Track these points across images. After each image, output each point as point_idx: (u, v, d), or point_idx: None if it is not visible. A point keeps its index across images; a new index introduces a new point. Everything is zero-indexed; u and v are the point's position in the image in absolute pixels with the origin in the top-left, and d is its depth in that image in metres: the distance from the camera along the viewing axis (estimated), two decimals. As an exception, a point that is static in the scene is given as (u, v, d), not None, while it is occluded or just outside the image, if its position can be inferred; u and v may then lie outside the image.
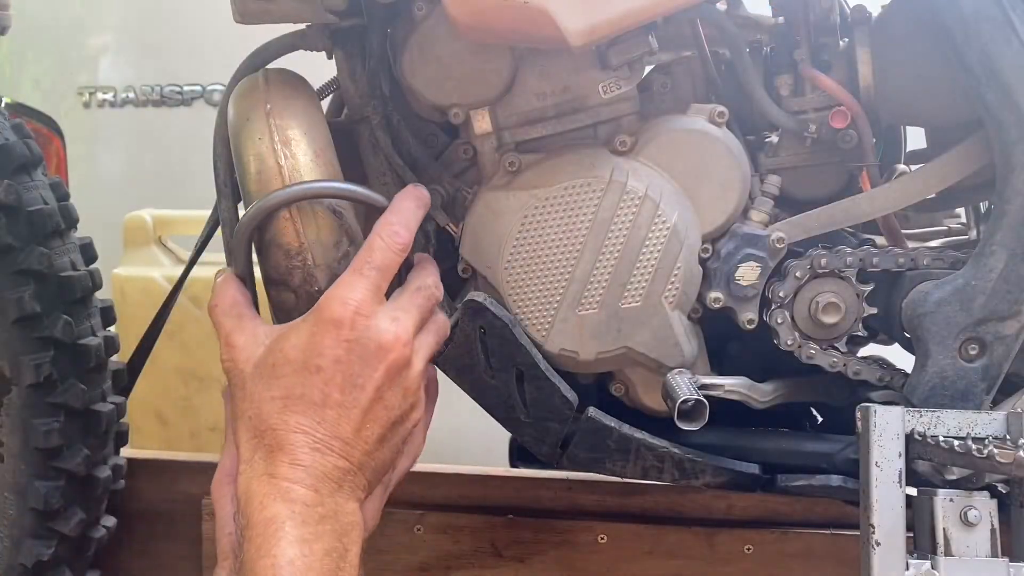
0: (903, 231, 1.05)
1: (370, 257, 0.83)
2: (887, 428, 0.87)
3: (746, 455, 1.02)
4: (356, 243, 0.91)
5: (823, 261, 0.98)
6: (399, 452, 0.85)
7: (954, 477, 0.93)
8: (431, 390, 0.96)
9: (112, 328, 1.31)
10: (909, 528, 0.86)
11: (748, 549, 1.30)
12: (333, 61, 1.00)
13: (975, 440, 0.86)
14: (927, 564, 0.85)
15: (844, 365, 0.99)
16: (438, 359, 0.98)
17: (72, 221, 1.23)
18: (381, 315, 0.81)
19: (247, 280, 0.90)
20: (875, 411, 0.87)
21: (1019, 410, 0.92)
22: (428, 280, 0.88)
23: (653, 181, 0.96)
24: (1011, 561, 0.85)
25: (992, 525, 0.86)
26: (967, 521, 0.86)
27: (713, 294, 0.99)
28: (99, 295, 1.27)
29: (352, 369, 0.78)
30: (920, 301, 0.95)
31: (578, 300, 0.96)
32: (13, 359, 1.14)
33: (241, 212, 0.95)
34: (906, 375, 0.99)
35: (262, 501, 0.76)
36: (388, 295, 0.88)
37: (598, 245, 0.95)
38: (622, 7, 0.86)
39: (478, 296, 0.96)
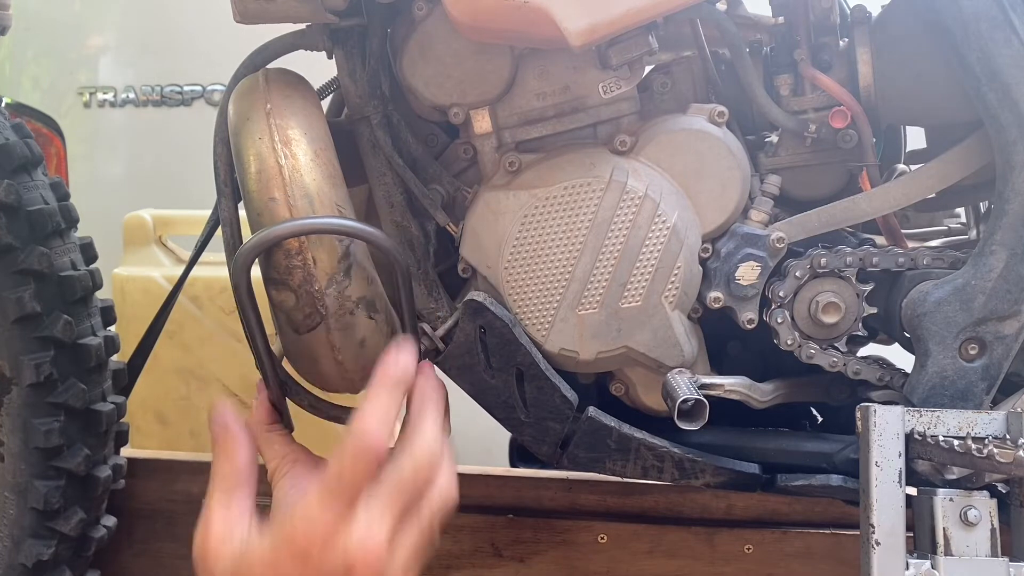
0: (903, 231, 1.05)
1: (340, 471, 0.74)
2: (887, 428, 0.87)
3: (746, 455, 1.02)
4: (356, 242, 0.91)
5: (823, 261, 0.98)
6: None
7: (954, 477, 0.92)
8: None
9: (112, 328, 1.31)
10: (909, 528, 0.86)
11: (748, 549, 1.30)
12: (333, 61, 1.00)
13: (975, 440, 0.86)
14: (927, 564, 0.85)
15: (844, 365, 0.99)
16: (438, 359, 0.98)
17: (72, 221, 1.23)
18: (352, 532, 0.73)
19: (250, 310, 0.89)
20: (875, 411, 0.87)
21: (1019, 410, 0.92)
22: (410, 466, 0.77)
23: (653, 181, 0.96)
24: (1011, 561, 0.85)
25: (992, 525, 0.86)
26: (967, 521, 0.86)
27: (713, 294, 0.99)
28: (99, 295, 1.27)
29: None
30: (920, 301, 0.95)
31: (578, 300, 0.96)
32: (13, 359, 1.14)
33: (242, 212, 0.95)
34: (906, 375, 0.99)
35: None
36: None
37: (598, 245, 0.95)
38: (622, 7, 0.86)
39: (478, 296, 0.97)
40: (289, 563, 0.73)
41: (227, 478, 0.81)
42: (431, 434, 0.80)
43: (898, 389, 0.99)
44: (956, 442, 0.84)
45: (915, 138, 1.13)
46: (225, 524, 0.77)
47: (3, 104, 2.22)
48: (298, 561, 0.73)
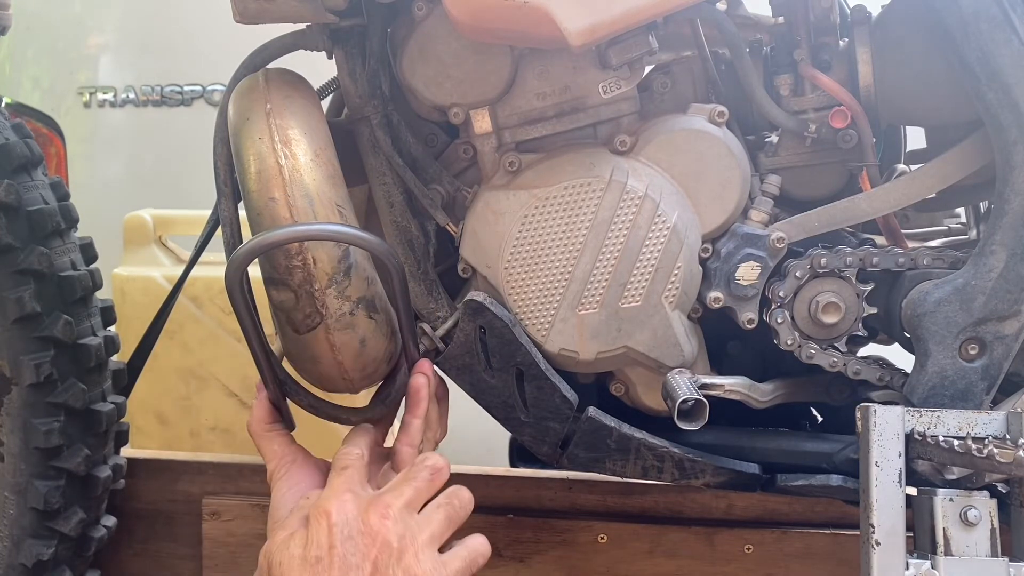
0: (903, 231, 1.05)
1: (337, 464, 0.88)
2: (887, 428, 0.87)
3: (746, 455, 1.02)
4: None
5: (823, 261, 0.98)
6: None
7: (954, 477, 0.93)
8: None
9: (112, 328, 1.31)
10: (909, 528, 0.86)
11: (748, 549, 1.30)
12: (333, 61, 1.00)
13: (975, 440, 0.86)
14: (927, 564, 0.85)
15: (844, 365, 0.99)
16: (438, 359, 0.98)
17: (72, 221, 1.23)
18: (368, 498, 0.84)
19: (244, 312, 0.89)
20: (875, 411, 0.87)
21: (1019, 410, 0.92)
22: (428, 463, 0.88)
23: (653, 181, 0.96)
24: (1011, 561, 0.85)
25: (992, 525, 0.86)
26: (967, 521, 0.86)
27: (713, 294, 0.99)
28: (99, 295, 1.27)
29: (345, 551, 0.80)
30: (920, 301, 0.95)
31: (578, 300, 0.96)
32: (13, 359, 1.14)
33: (242, 212, 0.95)
34: (906, 375, 0.99)
35: None
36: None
37: (598, 245, 0.95)
38: (622, 7, 0.86)
39: (478, 296, 0.96)
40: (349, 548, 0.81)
41: (275, 469, 0.93)
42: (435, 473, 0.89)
43: (898, 389, 0.99)
44: (956, 442, 0.84)
45: (915, 138, 1.13)
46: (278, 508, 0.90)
47: (3, 104, 2.22)
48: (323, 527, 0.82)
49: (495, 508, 1.35)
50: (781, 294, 0.98)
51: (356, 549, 0.80)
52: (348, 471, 0.87)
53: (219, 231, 1.01)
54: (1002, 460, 0.80)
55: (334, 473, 0.88)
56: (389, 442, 0.97)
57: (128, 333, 1.44)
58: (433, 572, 0.82)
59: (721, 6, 1.05)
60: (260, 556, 0.84)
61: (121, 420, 1.30)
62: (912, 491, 0.89)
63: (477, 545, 0.87)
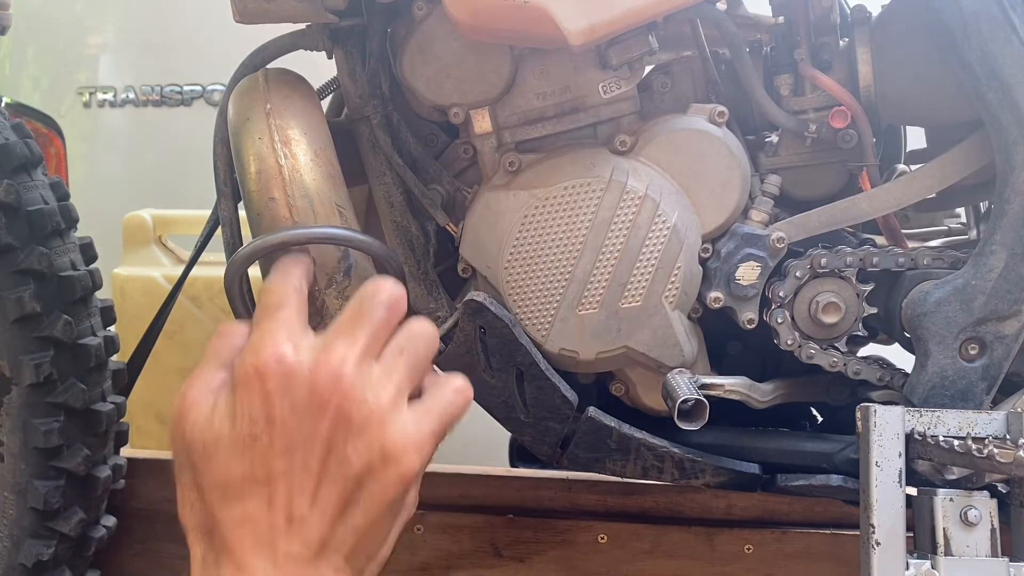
0: (903, 231, 1.05)
1: (267, 300, 0.67)
2: (887, 428, 0.87)
3: (746, 455, 1.02)
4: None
5: (823, 261, 0.98)
6: (386, 519, 0.64)
7: (954, 477, 0.92)
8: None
9: (112, 328, 1.31)
10: (909, 528, 0.86)
11: (748, 549, 1.30)
12: (333, 61, 1.00)
13: (975, 440, 0.85)
14: (927, 564, 0.85)
15: (844, 365, 0.99)
16: (437, 359, 0.98)
17: (72, 221, 1.23)
18: (312, 350, 0.63)
19: (244, 315, 0.89)
20: (875, 411, 0.87)
21: (1019, 410, 0.92)
22: (382, 296, 0.67)
23: (653, 181, 0.96)
24: (1011, 561, 0.85)
25: (992, 525, 0.86)
26: (967, 521, 0.86)
27: (713, 294, 0.99)
28: (99, 295, 1.27)
29: (289, 426, 0.62)
30: (920, 301, 0.95)
31: (578, 300, 0.96)
32: (13, 359, 1.14)
33: (241, 212, 0.95)
34: (906, 375, 0.99)
35: None
36: None
37: (598, 245, 0.95)
38: (622, 7, 0.86)
39: (478, 296, 0.96)
40: (246, 395, 0.63)
41: (212, 348, 0.69)
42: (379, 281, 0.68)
43: (898, 389, 0.99)
44: (956, 442, 0.84)
45: (915, 138, 1.13)
46: (200, 386, 0.66)
47: (3, 104, 2.22)
48: (254, 389, 0.63)
49: (495, 508, 1.35)
50: (781, 294, 0.98)
51: (303, 423, 0.61)
52: (284, 312, 0.65)
53: (219, 231, 1.01)
54: (1002, 460, 0.80)
55: (263, 312, 0.66)
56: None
57: (128, 333, 1.44)
58: (403, 444, 0.62)
59: (721, 6, 1.05)
60: (172, 434, 0.65)
61: (121, 420, 1.30)
62: (912, 491, 0.89)
63: (449, 395, 0.67)
